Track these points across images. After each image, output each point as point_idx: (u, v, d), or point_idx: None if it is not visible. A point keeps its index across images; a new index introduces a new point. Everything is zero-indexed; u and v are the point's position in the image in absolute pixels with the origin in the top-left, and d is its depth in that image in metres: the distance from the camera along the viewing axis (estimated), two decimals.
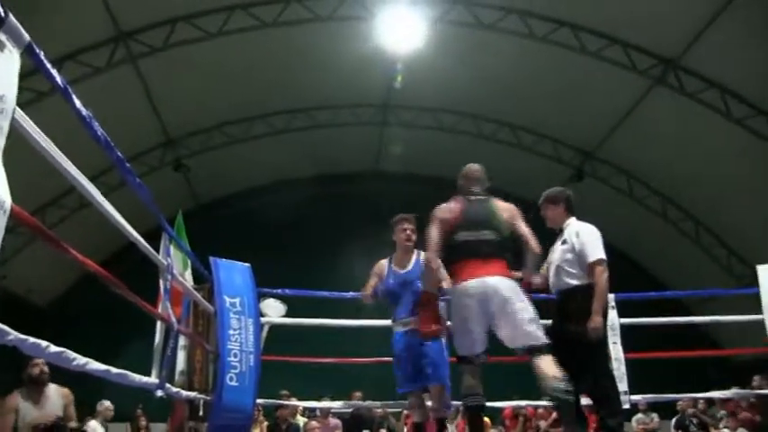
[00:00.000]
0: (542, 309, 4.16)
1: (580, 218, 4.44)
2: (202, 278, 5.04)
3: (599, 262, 4.09)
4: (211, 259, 4.86)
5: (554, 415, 9.12)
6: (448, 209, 4.07)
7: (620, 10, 11.28)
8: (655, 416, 10.72)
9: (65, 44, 10.45)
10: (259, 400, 5.13)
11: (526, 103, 14.04)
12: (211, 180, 15.83)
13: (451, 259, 3.96)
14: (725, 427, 9.20)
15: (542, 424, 9.24)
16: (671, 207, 15.40)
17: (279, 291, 5.76)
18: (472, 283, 3.82)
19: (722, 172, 13.29)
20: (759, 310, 5.60)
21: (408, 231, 4.78)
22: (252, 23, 11.59)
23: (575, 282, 4.16)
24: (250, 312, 4.81)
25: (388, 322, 5.34)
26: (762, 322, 5.56)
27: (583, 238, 4.19)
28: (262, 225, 15.28)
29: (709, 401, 9.92)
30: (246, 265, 5.11)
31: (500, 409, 9.32)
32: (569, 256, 4.19)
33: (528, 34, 11.91)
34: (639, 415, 10.68)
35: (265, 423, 8.82)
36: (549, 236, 4.45)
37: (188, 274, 4.94)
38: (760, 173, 12.53)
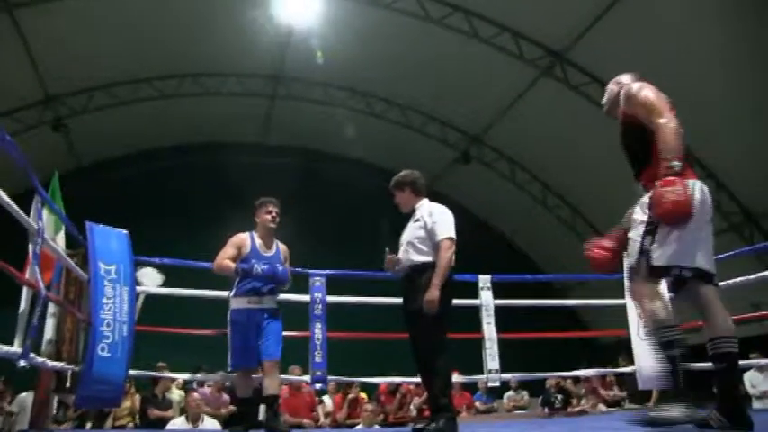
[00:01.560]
0: None
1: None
2: (77, 243, 4.85)
3: (448, 239, 4.14)
4: (87, 224, 4.68)
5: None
6: (656, 91, 3.26)
7: (513, 1, 11.59)
8: (525, 393, 11.16)
9: None
10: (132, 372, 5.00)
11: (417, 84, 14.21)
12: (94, 142, 15.11)
13: None
14: (585, 403, 9.75)
15: (416, 400, 9.45)
16: (550, 194, 16.05)
17: (157, 260, 5.61)
18: (702, 186, 3.13)
19: (599, 163, 13.90)
20: (623, 295, 5.97)
21: (274, 214, 4.96)
22: None
23: (424, 258, 4.18)
24: (126, 281, 4.67)
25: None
26: (624, 306, 5.94)
27: (435, 217, 4.23)
28: (145, 192, 14.82)
29: (576, 379, 10.48)
30: (124, 231, 4.95)
31: (376, 385, 9.48)
32: (421, 233, 4.23)
33: (424, 17, 12.04)
34: (510, 392, 11.10)
35: (137, 396, 8.57)
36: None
37: (60, 238, 4.74)
38: None
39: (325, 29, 12.18)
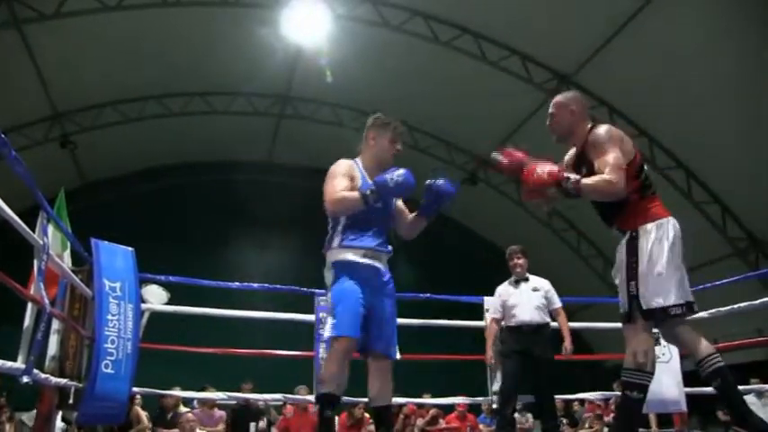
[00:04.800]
0: None
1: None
2: (82, 260, 4.84)
3: (562, 308, 5.61)
4: (92, 241, 4.67)
5: (431, 412, 9.31)
6: (628, 139, 3.45)
7: (522, 23, 11.67)
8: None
9: None
10: (136, 389, 4.98)
11: (424, 105, 14.22)
12: (100, 159, 15.19)
13: (644, 194, 3.40)
14: (590, 427, 9.67)
15: (419, 422, 9.38)
16: (555, 217, 16.02)
17: (162, 277, 5.61)
18: (675, 222, 3.26)
19: None
20: None
21: (400, 147, 3.83)
22: (152, 0, 11.23)
23: (548, 319, 5.51)
24: (130, 298, 4.66)
25: (273, 314, 5.28)
26: None
27: (550, 288, 5.63)
28: (151, 209, 14.87)
29: (581, 402, 10.39)
30: (129, 248, 4.93)
31: None
32: (544, 300, 5.53)
33: (432, 38, 12.10)
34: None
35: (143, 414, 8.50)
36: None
37: (66, 255, 4.73)
38: None
39: (333, 49, 12.22)
